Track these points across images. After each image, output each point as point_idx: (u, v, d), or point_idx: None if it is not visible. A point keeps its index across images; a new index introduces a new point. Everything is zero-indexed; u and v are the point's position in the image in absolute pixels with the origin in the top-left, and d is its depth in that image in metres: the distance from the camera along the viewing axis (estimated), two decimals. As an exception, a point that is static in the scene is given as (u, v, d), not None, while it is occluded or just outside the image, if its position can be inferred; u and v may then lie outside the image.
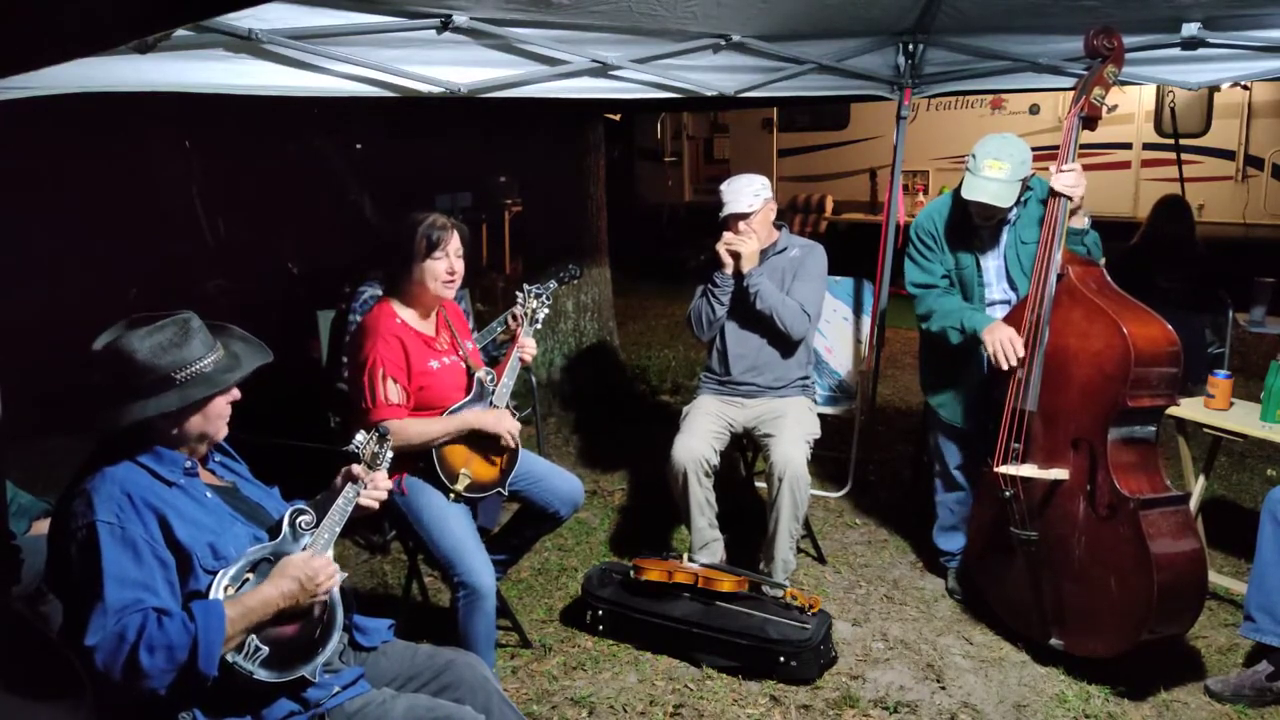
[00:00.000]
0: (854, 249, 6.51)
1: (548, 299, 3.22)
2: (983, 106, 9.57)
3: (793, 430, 3.41)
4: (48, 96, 2.48)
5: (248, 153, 7.63)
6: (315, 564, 1.89)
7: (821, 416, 3.73)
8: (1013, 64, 4.07)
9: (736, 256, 3.53)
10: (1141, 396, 2.83)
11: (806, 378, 3.70)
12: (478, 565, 2.70)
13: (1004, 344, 3.04)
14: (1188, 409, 3.40)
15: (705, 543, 3.47)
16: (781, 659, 2.98)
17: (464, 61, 3.24)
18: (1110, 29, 3.04)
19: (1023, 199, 3.30)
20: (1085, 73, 3.12)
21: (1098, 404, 2.86)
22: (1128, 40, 3.20)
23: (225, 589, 1.81)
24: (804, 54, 4.00)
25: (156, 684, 1.70)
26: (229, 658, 1.78)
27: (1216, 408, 3.40)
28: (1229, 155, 8.24)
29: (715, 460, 3.47)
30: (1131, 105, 8.52)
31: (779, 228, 3.69)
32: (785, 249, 3.65)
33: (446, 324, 2.99)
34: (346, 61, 2.97)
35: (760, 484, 3.89)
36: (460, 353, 2.98)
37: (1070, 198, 3.00)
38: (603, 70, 3.57)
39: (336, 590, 1.97)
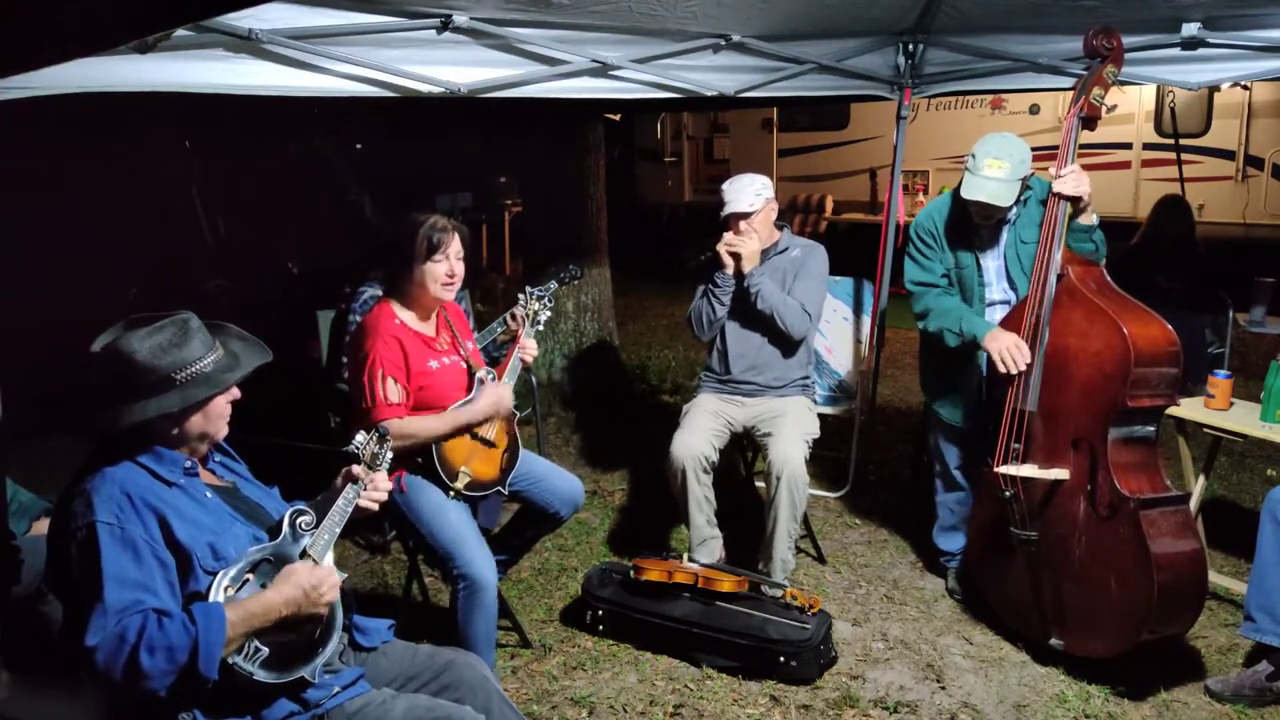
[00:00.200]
0: (854, 249, 6.50)
1: (549, 301, 3.22)
2: (983, 106, 9.57)
3: (791, 430, 3.41)
4: (48, 96, 2.48)
5: (248, 153, 7.63)
6: (319, 574, 1.89)
7: (821, 416, 3.73)
8: (1013, 64, 4.06)
9: (737, 257, 3.53)
10: (1141, 396, 2.83)
11: (807, 377, 3.70)
12: (477, 557, 2.69)
13: (1009, 351, 3.03)
14: (1188, 409, 3.40)
15: (703, 539, 3.47)
16: (781, 659, 2.98)
17: (464, 61, 3.24)
18: (1110, 29, 3.04)
19: (1022, 198, 3.30)
20: (1085, 73, 3.12)
21: (1098, 404, 2.86)
22: (1128, 40, 3.20)
23: (225, 589, 1.81)
24: (804, 54, 4.00)
25: (156, 685, 1.70)
26: (229, 659, 1.77)
27: (1216, 408, 3.41)
28: (1229, 155, 8.24)
29: (714, 457, 3.47)
30: (1131, 105, 8.52)
31: (780, 228, 3.69)
32: (786, 249, 3.65)
33: (447, 324, 2.99)
34: (346, 61, 2.97)
35: (760, 483, 3.89)
36: (461, 353, 2.98)
37: (1079, 198, 3.00)
38: (603, 70, 3.57)
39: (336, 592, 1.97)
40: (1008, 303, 3.35)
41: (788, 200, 11.29)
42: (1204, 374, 3.60)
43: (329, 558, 1.98)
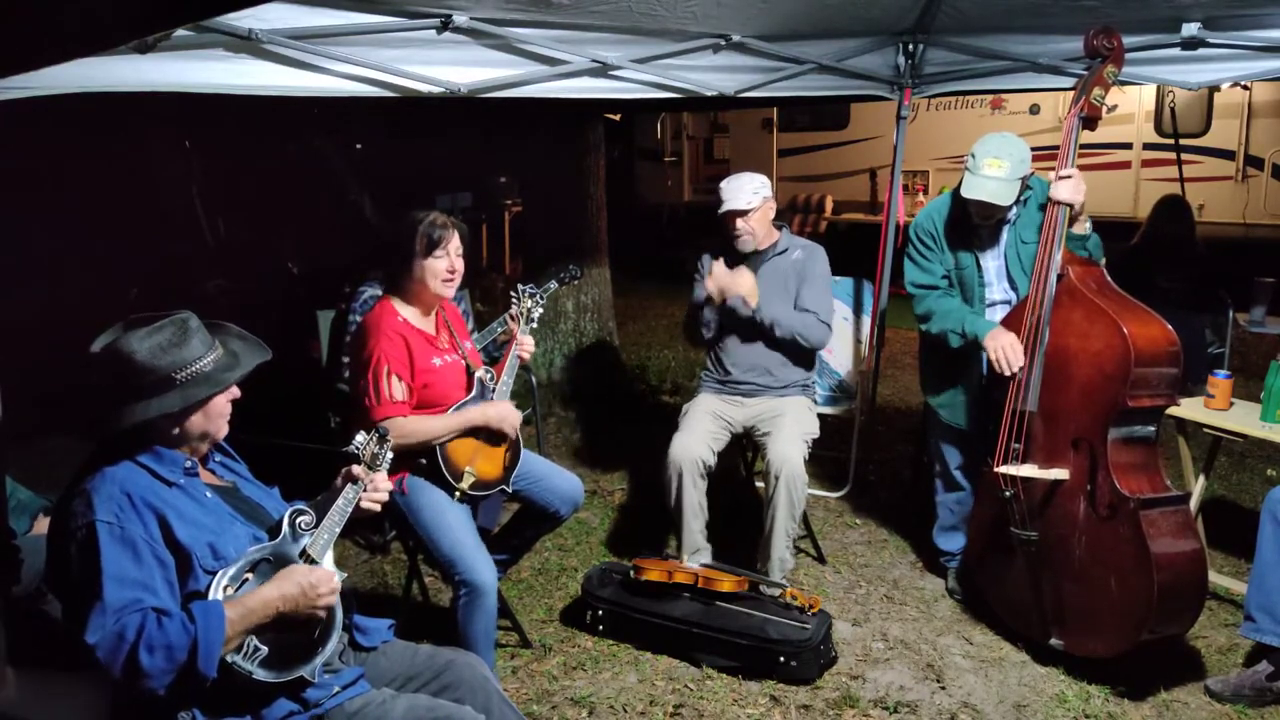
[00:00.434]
0: (854, 249, 6.51)
1: (543, 298, 3.22)
2: (983, 106, 9.57)
3: (790, 429, 3.41)
4: (48, 96, 2.48)
5: (248, 153, 7.62)
6: (318, 574, 1.89)
7: (821, 416, 3.73)
8: (1013, 64, 4.06)
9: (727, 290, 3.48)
10: (1141, 396, 2.83)
11: (807, 377, 3.70)
12: (479, 563, 2.70)
13: (1005, 350, 3.04)
14: (1188, 409, 3.40)
15: (695, 549, 3.45)
16: (781, 659, 2.98)
17: (464, 61, 3.24)
18: (1110, 29, 3.04)
19: (1022, 198, 3.30)
20: (1085, 73, 3.12)
21: (1098, 404, 2.86)
22: (1128, 40, 3.20)
23: (225, 589, 1.81)
24: (804, 54, 4.00)
25: (156, 684, 1.70)
26: (228, 658, 1.78)
27: (1216, 408, 3.41)
28: (1229, 155, 8.24)
29: (712, 461, 3.46)
30: (1131, 105, 8.52)
31: (779, 228, 3.69)
32: (786, 250, 3.64)
33: (446, 324, 2.99)
34: (346, 61, 2.97)
35: (760, 483, 3.88)
36: (460, 352, 2.98)
37: (1071, 205, 3.00)
38: (603, 70, 3.57)
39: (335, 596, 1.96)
40: (1008, 303, 3.35)
41: (788, 200, 11.29)
42: (1204, 374, 3.60)
43: (329, 558, 1.98)
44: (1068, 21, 3.64)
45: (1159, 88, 7.86)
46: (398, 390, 2.75)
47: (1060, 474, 2.95)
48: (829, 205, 11.11)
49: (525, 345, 3.10)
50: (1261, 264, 5.85)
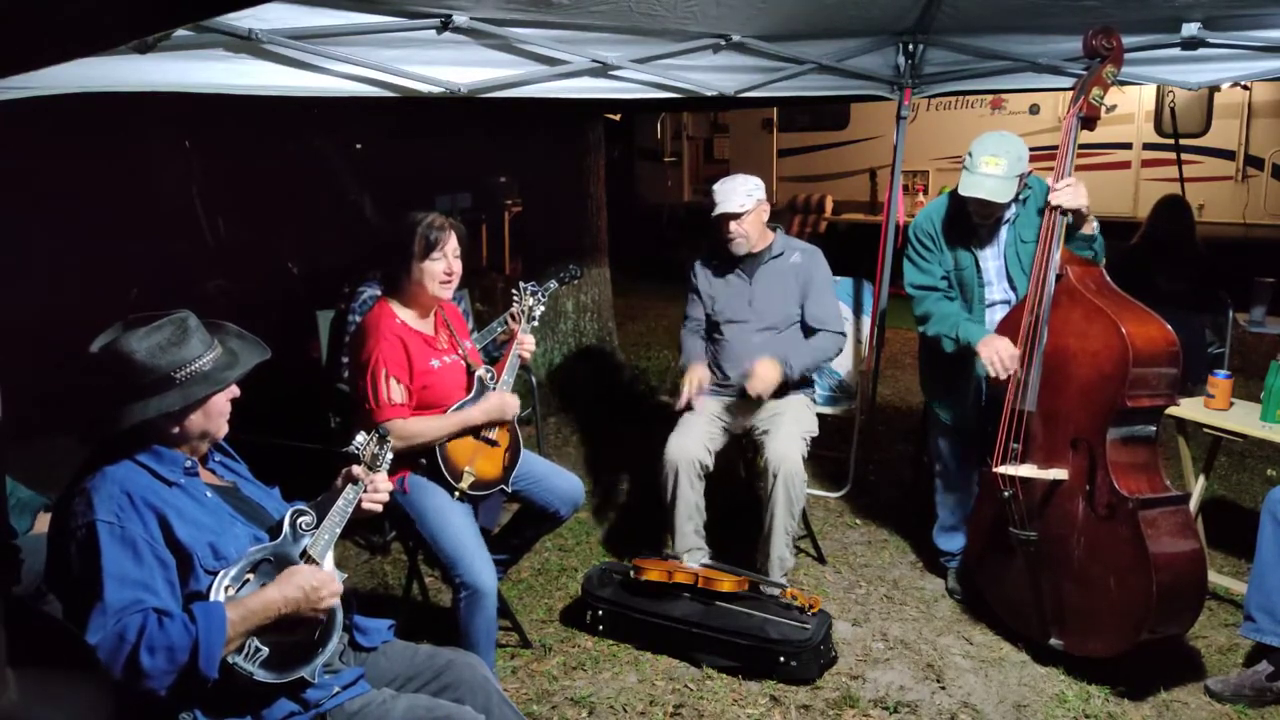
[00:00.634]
0: (854, 249, 6.50)
1: (544, 297, 3.22)
2: (983, 106, 9.57)
3: (789, 428, 3.41)
4: (48, 96, 2.48)
5: (248, 153, 7.61)
6: (321, 577, 1.89)
7: (821, 416, 3.73)
8: (1013, 64, 4.06)
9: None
10: (1140, 396, 2.83)
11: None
12: (479, 565, 2.70)
13: (998, 355, 3.05)
14: (1188, 409, 3.40)
15: (689, 549, 3.44)
16: (781, 659, 2.98)
17: (464, 61, 3.24)
18: (1109, 29, 3.04)
19: (1021, 197, 3.30)
20: (1084, 73, 3.12)
21: (1096, 404, 2.86)
22: (1127, 40, 3.20)
23: (226, 589, 1.81)
24: (804, 54, 4.00)
25: (157, 685, 1.70)
26: (229, 659, 1.78)
27: (1216, 408, 3.41)
28: (1229, 155, 8.24)
29: (708, 462, 3.45)
30: (1131, 105, 8.52)
31: (773, 229, 3.66)
32: (782, 254, 3.62)
33: (445, 324, 2.99)
34: (346, 61, 2.97)
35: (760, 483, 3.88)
36: (460, 352, 2.98)
37: (1077, 211, 3.00)
38: (603, 70, 3.57)
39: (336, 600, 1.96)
40: (1008, 302, 3.35)
41: (787, 200, 11.28)
42: (1204, 374, 3.60)
43: (330, 558, 1.98)
44: (1068, 21, 3.64)
45: (1159, 88, 7.85)
46: (396, 393, 2.75)
47: (1059, 474, 2.95)
48: (829, 205, 11.10)
49: (526, 344, 3.10)
50: (1261, 264, 5.85)
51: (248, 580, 1.85)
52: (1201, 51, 3.60)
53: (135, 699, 1.73)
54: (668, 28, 3.55)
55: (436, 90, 3.21)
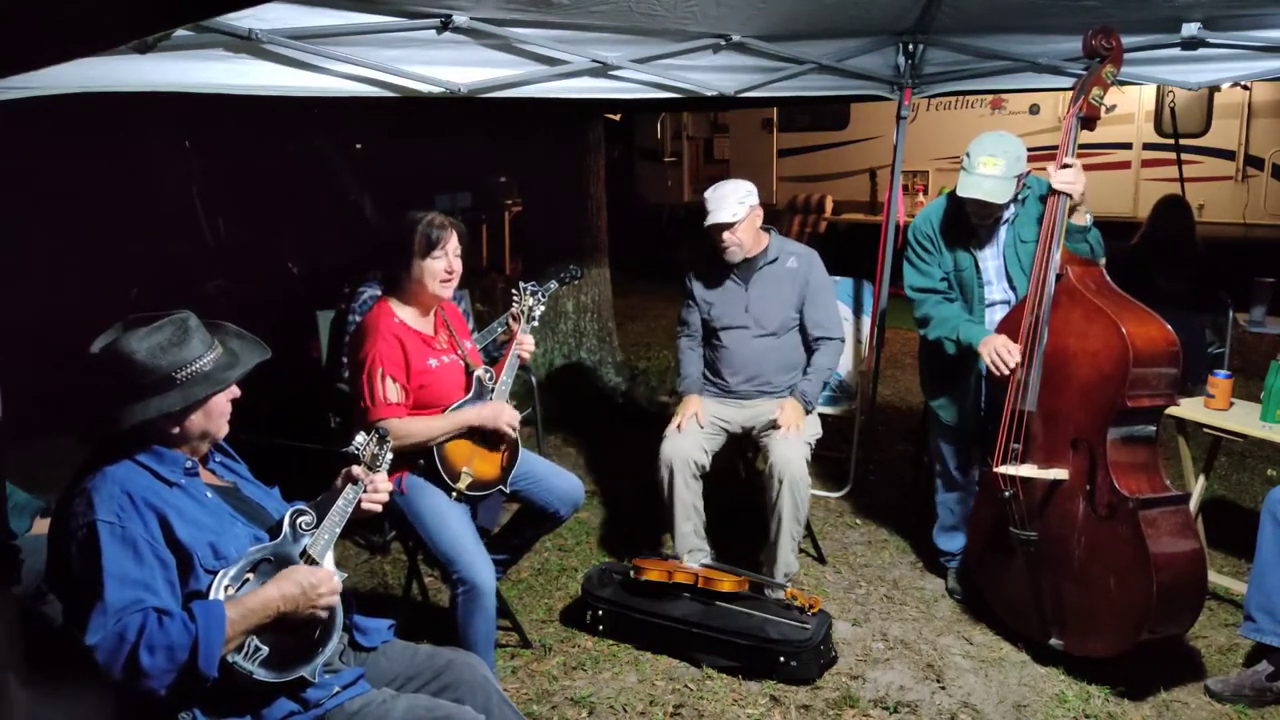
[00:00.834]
0: (854, 249, 6.51)
1: (544, 297, 3.22)
2: (983, 106, 9.57)
3: (793, 432, 3.40)
4: (48, 96, 2.48)
5: (248, 153, 7.62)
6: (319, 574, 1.89)
7: (821, 416, 3.73)
8: (1013, 64, 4.06)
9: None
10: (1140, 396, 2.83)
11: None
12: (477, 563, 2.70)
13: (999, 352, 3.05)
14: (1188, 409, 3.40)
15: (689, 550, 3.44)
16: (781, 659, 2.98)
17: (464, 61, 3.24)
18: (1109, 29, 3.04)
19: (1020, 197, 3.30)
20: (1084, 73, 3.12)
21: (1097, 404, 2.86)
22: (1127, 40, 3.20)
23: (226, 589, 1.81)
24: (804, 54, 4.00)
25: (156, 684, 1.70)
26: (229, 658, 1.78)
27: (1216, 408, 3.41)
28: (1229, 155, 8.24)
29: (704, 462, 3.45)
30: (1131, 105, 8.52)
31: (766, 230, 3.62)
32: (777, 258, 3.58)
33: (445, 324, 2.99)
34: (346, 61, 2.97)
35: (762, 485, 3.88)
36: (459, 352, 2.98)
37: (1070, 195, 3.00)
38: (603, 70, 3.57)
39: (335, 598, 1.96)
40: (1008, 302, 3.35)
41: (787, 200, 11.28)
42: (1204, 374, 3.60)
43: (330, 558, 1.98)
44: (1068, 21, 3.64)
45: (1159, 88, 7.85)
46: (392, 392, 2.75)
47: (1059, 474, 2.95)
48: (829, 205, 11.10)
49: (525, 345, 3.10)
50: (1261, 264, 5.85)
51: (248, 580, 1.85)
52: (1201, 51, 3.60)
53: (135, 698, 1.74)
54: (668, 28, 3.55)
55: (436, 90, 3.21)
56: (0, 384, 2.05)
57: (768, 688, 2.98)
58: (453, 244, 2.84)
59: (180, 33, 2.58)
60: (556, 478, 3.09)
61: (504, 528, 3.46)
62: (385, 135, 9.37)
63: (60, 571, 1.81)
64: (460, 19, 3.04)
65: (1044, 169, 3.14)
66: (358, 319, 3.69)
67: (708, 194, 3.54)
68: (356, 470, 2.06)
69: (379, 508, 2.11)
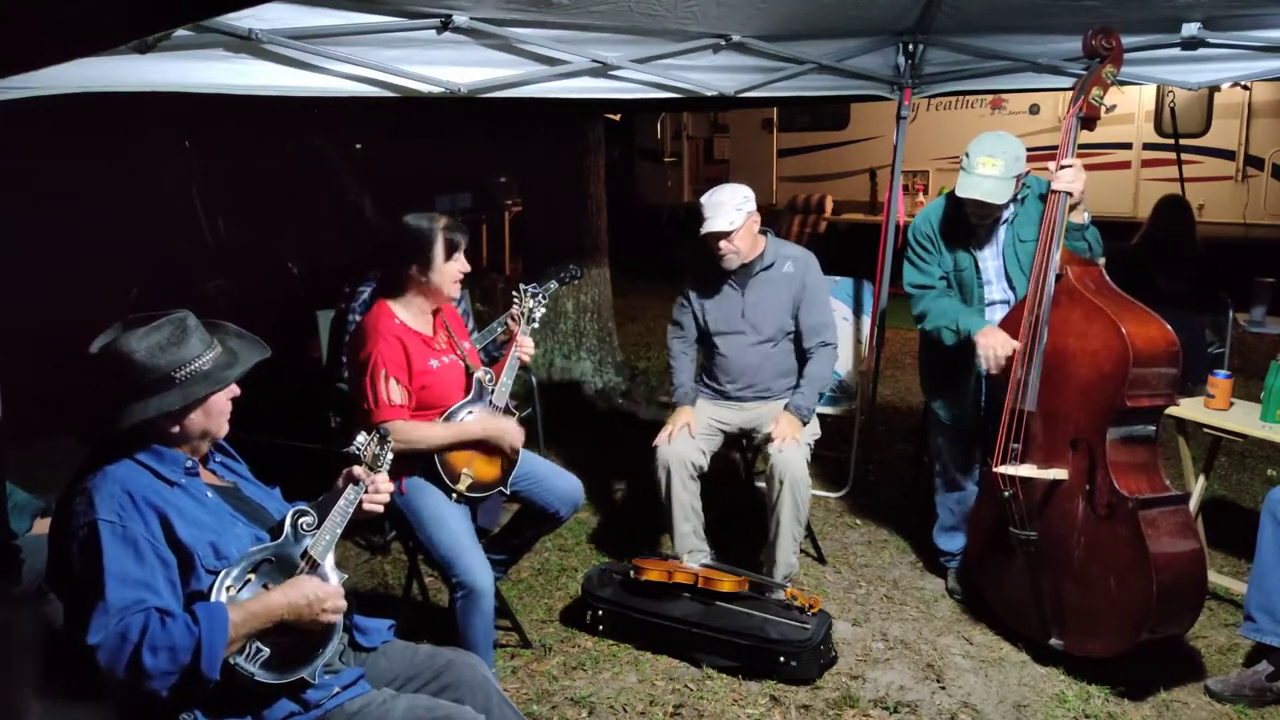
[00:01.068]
0: (854, 249, 6.51)
1: (544, 298, 3.22)
2: (983, 106, 9.57)
3: (793, 433, 3.40)
4: (48, 96, 2.48)
5: (248, 153, 7.62)
6: (327, 589, 1.89)
7: (821, 416, 3.73)
8: (1013, 64, 4.06)
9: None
10: (1140, 396, 2.83)
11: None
12: (475, 565, 2.70)
13: (993, 348, 3.05)
14: (1188, 409, 3.40)
15: (689, 550, 3.43)
16: (781, 659, 2.98)
17: (464, 61, 3.24)
18: (1109, 29, 3.04)
19: (1019, 197, 3.30)
20: (1084, 73, 3.12)
21: (1096, 404, 2.86)
22: (1127, 40, 3.20)
23: (227, 589, 1.81)
24: (804, 54, 4.00)
25: (158, 685, 1.70)
26: (230, 659, 1.78)
27: (1216, 408, 3.40)
28: (1229, 155, 8.24)
29: (702, 462, 3.44)
30: (1131, 105, 8.52)
31: (763, 233, 3.59)
32: (774, 263, 3.55)
33: (443, 324, 2.99)
34: (346, 61, 2.97)
35: (760, 484, 3.88)
36: (458, 352, 2.98)
37: (1070, 193, 3.00)
38: (603, 70, 3.57)
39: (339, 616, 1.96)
40: (1007, 302, 3.35)
41: (788, 200, 11.28)
42: (1204, 374, 3.60)
43: (330, 558, 1.98)
44: (1068, 21, 3.64)
45: (1159, 88, 7.85)
46: (395, 393, 2.75)
47: (1059, 474, 2.95)
48: (829, 205, 11.09)
49: (525, 346, 3.09)
50: (1261, 264, 5.85)
51: (249, 580, 1.85)
52: (1201, 51, 3.60)
53: (136, 699, 1.73)
54: (668, 28, 3.55)
55: (436, 90, 3.21)
56: (0, 384, 2.05)
57: (768, 688, 2.98)
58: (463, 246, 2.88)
59: (180, 33, 2.58)
60: (556, 478, 3.09)
61: (504, 528, 3.46)
62: (385, 135, 9.37)
63: (61, 571, 1.81)
64: (460, 19, 3.04)
65: (1044, 169, 3.14)
66: (358, 319, 3.69)
67: (703, 200, 3.49)
68: (357, 471, 2.06)
69: (380, 508, 2.11)
